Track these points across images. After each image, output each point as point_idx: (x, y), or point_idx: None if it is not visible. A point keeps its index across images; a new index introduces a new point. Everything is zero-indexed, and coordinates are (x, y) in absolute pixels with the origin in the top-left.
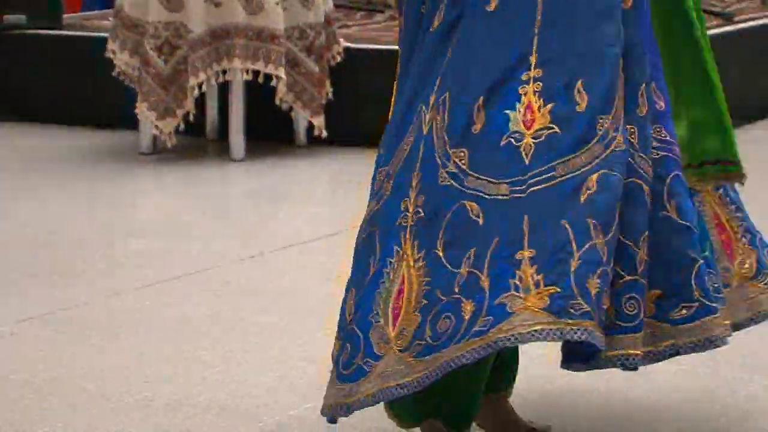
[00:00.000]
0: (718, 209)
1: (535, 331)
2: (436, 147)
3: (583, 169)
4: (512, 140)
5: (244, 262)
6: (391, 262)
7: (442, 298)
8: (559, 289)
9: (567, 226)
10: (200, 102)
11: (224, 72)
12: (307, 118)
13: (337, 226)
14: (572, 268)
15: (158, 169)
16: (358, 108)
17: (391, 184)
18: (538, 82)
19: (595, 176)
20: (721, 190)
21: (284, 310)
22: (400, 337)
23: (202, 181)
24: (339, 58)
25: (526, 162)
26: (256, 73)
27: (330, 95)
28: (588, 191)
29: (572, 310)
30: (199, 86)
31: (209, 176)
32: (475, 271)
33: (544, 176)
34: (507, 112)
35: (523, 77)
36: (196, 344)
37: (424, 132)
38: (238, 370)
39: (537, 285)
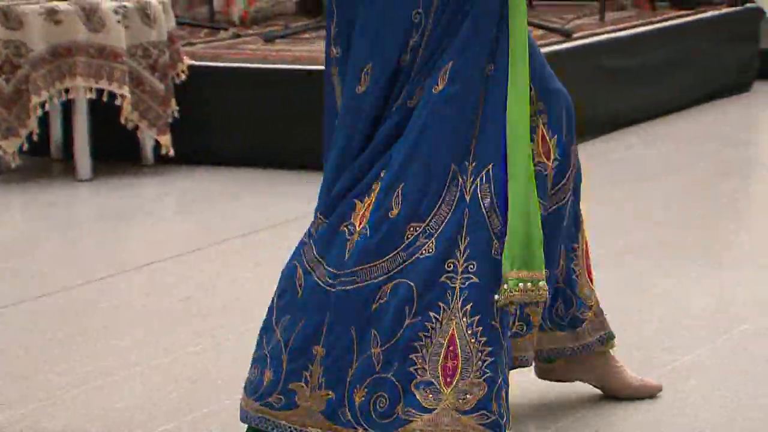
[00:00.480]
0: (458, 335)
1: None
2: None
3: (381, 278)
4: (346, 230)
5: (93, 284)
6: None
7: (260, 351)
8: (333, 395)
9: (354, 333)
10: (44, 121)
11: (67, 91)
12: (153, 137)
13: (187, 246)
14: (348, 376)
15: (2, 189)
16: (205, 126)
17: None
18: (380, 182)
19: (390, 285)
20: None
21: (136, 332)
22: None
23: (48, 201)
24: (184, 76)
25: (345, 258)
26: (100, 91)
27: (176, 113)
28: (380, 300)
29: (341, 417)
30: (42, 105)
31: (55, 197)
32: (281, 342)
33: (350, 278)
34: (355, 200)
35: (382, 173)
36: (48, 368)
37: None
38: (93, 393)
39: (320, 387)
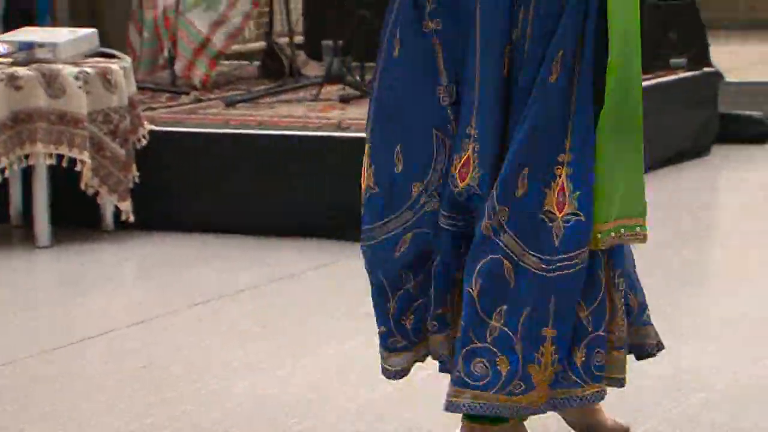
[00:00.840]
0: (611, 284)
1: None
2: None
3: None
4: (545, 218)
5: (53, 352)
6: None
7: (475, 342)
8: (561, 368)
9: (575, 310)
10: (4, 188)
11: (27, 156)
12: (114, 203)
13: (148, 313)
14: (569, 346)
15: None
16: (166, 191)
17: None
18: (570, 168)
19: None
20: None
21: (98, 402)
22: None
23: (7, 269)
24: (144, 141)
25: (556, 244)
26: (60, 157)
27: (137, 179)
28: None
29: (563, 382)
30: (2, 171)
31: (14, 264)
32: (507, 330)
33: (570, 261)
34: (545, 189)
35: (560, 158)
36: None
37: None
38: None
39: (553, 363)
